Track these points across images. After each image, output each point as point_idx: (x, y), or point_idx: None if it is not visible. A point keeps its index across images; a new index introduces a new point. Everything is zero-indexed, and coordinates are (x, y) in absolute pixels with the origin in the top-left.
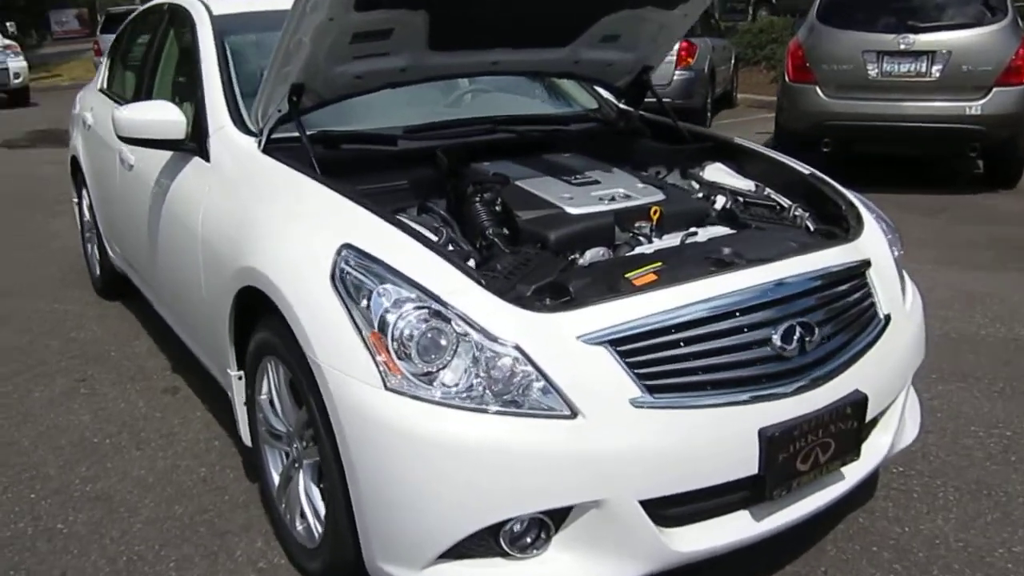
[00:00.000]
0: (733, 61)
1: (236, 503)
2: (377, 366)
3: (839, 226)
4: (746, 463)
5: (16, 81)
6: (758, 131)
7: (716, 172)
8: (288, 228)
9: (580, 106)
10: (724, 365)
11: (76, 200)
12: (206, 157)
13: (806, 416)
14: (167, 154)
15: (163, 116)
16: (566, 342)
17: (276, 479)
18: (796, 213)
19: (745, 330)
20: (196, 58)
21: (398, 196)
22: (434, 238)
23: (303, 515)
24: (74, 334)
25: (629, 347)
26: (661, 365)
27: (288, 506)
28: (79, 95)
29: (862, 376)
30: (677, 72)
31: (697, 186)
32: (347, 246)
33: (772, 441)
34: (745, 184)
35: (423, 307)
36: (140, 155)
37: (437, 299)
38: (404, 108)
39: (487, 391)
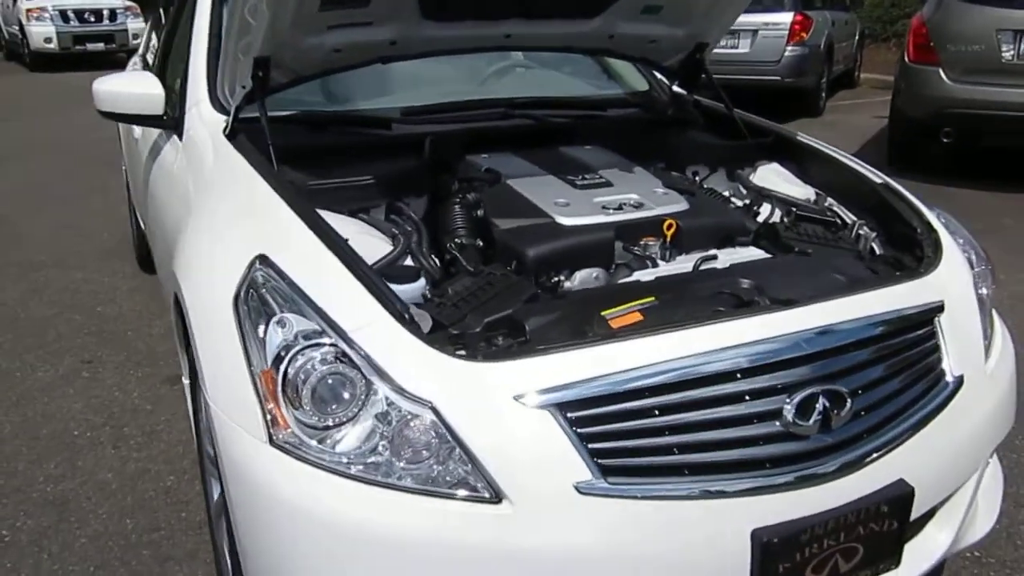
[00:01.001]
0: (857, 37)
1: (192, 523)
2: (265, 414)
3: (911, 253)
4: (733, 575)
5: (135, 41)
6: (876, 115)
7: (770, 175)
8: (212, 231)
9: (628, 88)
10: (712, 443)
11: (124, 167)
12: (180, 135)
13: (821, 516)
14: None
15: (141, 89)
16: (500, 402)
17: (212, 508)
18: (860, 232)
19: (747, 398)
20: (191, 23)
21: (368, 192)
22: (387, 248)
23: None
24: (100, 308)
25: (583, 414)
26: (624, 439)
27: (219, 539)
28: (131, 61)
29: (912, 460)
30: (788, 48)
31: (743, 192)
32: (262, 259)
33: (769, 548)
34: (803, 192)
35: (326, 345)
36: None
37: (344, 336)
38: (421, 86)
39: (394, 461)
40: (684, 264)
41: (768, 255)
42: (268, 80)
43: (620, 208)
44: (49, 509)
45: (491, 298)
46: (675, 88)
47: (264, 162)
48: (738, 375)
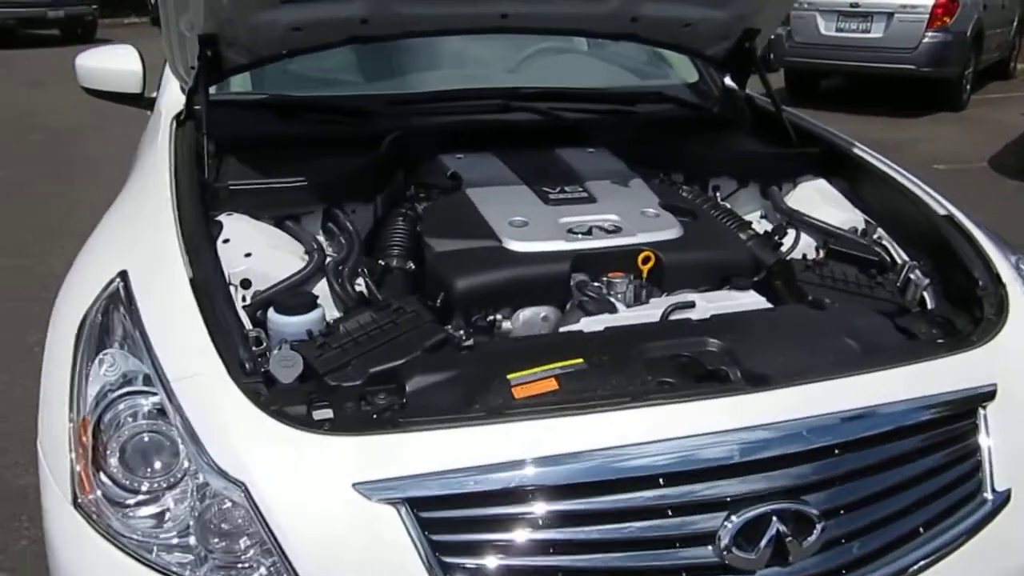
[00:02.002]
0: (1016, 23)
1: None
2: (72, 467)
3: (968, 312)
4: None
5: None
6: None
7: (811, 194)
8: (98, 237)
9: (678, 78)
10: (616, 572)
11: None
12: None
13: None
14: None
15: (120, 65)
16: (335, 490)
17: None
18: (911, 277)
19: (671, 513)
20: None
21: (300, 196)
22: (299, 264)
23: None
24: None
25: (441, 515)
26: (492, 555)
27: None
28: None
29: None
30: (928, 34)
31: (773, 214)
32: (123, 276)
33: None
34: (848, 218)
35: (149, 394)
36: None
37: (166, 386)
38: (437, 70)
39: (201, 547)
40: (654, 310)
41: (768, 305)
42: (219, 60)
43: (589, 232)
44: None
45: (388, 342)
46: (728, 82)
47: (191, 157)
48: (661, 480)
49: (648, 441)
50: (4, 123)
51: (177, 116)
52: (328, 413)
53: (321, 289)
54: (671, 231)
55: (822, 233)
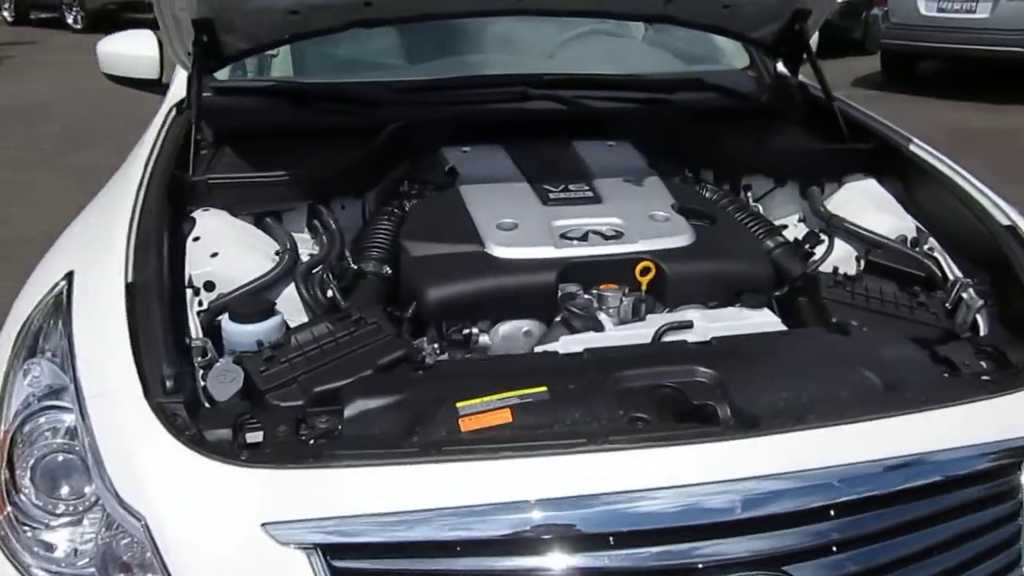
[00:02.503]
0: None
1: None
2: None
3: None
4: None
5: None
6: None
7: (858, 197)
8: (66, 235)
9: (725, 64)
10: None
11: None
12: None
13: None
14: None
15: (138, 51)
16: (243, 529)
17: None
18: (963, 296)
19: None
20: None
21: (281, 192)
22: (267, 266)
23: None
24: None
25: (357, 565)
26: None
27: None
28: None
29: None
30: None
31: (815, 220)
32: (68, 278)
33: None
34: (898, 225)
35: (68, 410)
36: None
37: (82, 402)
38: (463, 55)
39: None
40: (647, 329)
41: (781, 327)
42: (217, 46)
43: (584, 238)
44: None
45: (340, 357)
46: (780, 68)
47: (176, 148)
48: (611, 540)
49: (603, 493)
50: (98, 107)
51: (179, 104)
52: (259, 437)
53: (292, 295)
54: (680, 238)
55: (863, 242)
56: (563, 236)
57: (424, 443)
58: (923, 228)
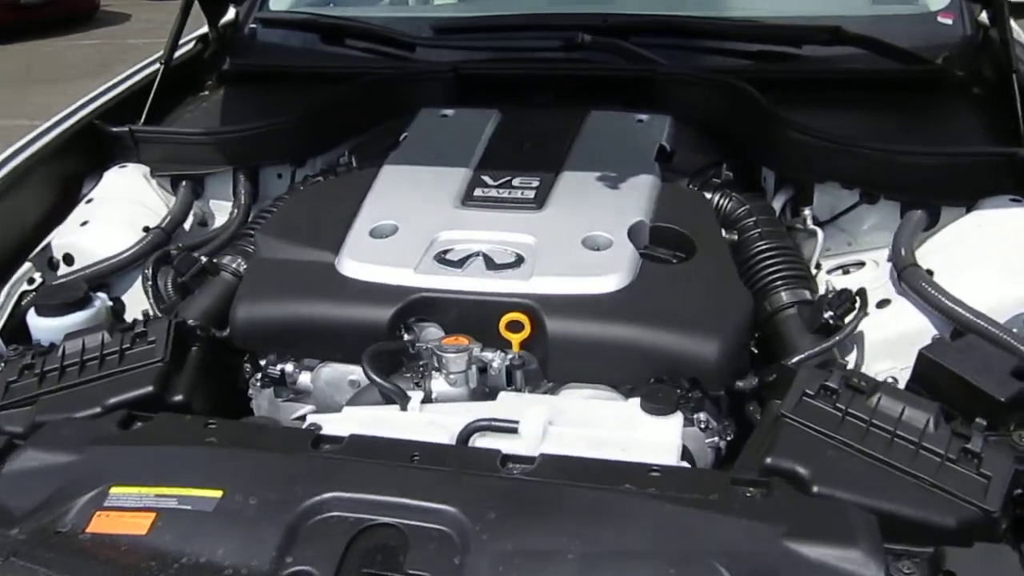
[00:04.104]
0: None
1: None
2: None
3: None
4: None
5: None
6: None
7: (977, 236)
8: None
9: (905, 4)
10: None
11: None
12: None
13: None
14: None
15: None
16: None
17: None
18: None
19: None
20: None
21: (212, 152)
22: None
23: None
24: None
25: None
26: None
27: None
28: None
29: None
30: None
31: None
32: None
33: None
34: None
35: None
36: None
37: None
38: None
39: None
40: (462, 419)
41: (675, 452)
42: None
43: (462, 263)
44: None
45: (89, 381)
46: (983, 18)
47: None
48: None
49: None
50: None
51: (203, 36)
52: None
53: None
54: (606, 278)
55: (945, 318)
56: (438, 256)
57: (29, 535)
58: None
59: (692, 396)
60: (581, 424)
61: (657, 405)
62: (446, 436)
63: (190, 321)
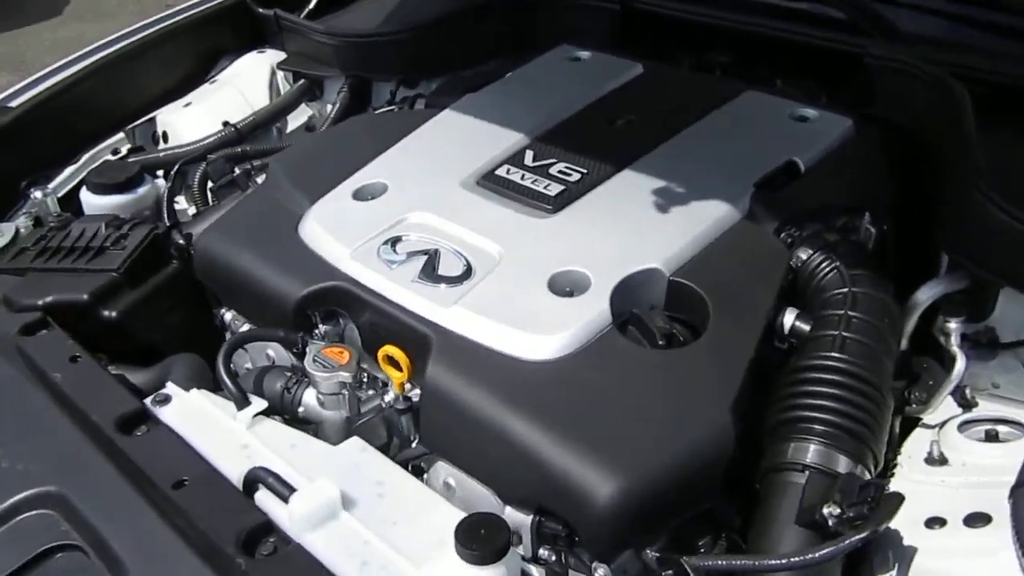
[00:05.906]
0: None
1: None
2: None
3: None
4: None
5: None
6: None
7: None
8: None
9: None
10: None
11: None
12: None
13: None
14: None
15: None
16: None
17: None
18: None
19: None
20: None
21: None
22: None
23: None
24: None
25: None
26: None
27: None
28: None
29: None
30: None
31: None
32: None
33: None
34: None
35: None
36: None
37: None
38: None
39: None
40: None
41: None
42: None
43: (405, 259)
44: None
45: (64, 270)
46: None
47: None
48: None
49: None
50: None
51: None
52: None
53: None
54: (541, 339)
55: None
56: (387, 242)
57: None
58: None
59: (557, 547)
60: (378, 521)
61: (471, 550)
62: (245, 466)
63: (186, 234)
